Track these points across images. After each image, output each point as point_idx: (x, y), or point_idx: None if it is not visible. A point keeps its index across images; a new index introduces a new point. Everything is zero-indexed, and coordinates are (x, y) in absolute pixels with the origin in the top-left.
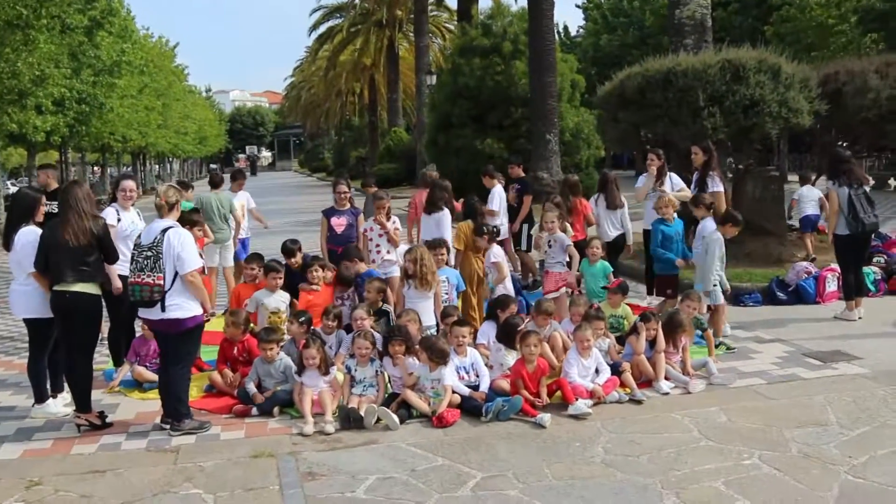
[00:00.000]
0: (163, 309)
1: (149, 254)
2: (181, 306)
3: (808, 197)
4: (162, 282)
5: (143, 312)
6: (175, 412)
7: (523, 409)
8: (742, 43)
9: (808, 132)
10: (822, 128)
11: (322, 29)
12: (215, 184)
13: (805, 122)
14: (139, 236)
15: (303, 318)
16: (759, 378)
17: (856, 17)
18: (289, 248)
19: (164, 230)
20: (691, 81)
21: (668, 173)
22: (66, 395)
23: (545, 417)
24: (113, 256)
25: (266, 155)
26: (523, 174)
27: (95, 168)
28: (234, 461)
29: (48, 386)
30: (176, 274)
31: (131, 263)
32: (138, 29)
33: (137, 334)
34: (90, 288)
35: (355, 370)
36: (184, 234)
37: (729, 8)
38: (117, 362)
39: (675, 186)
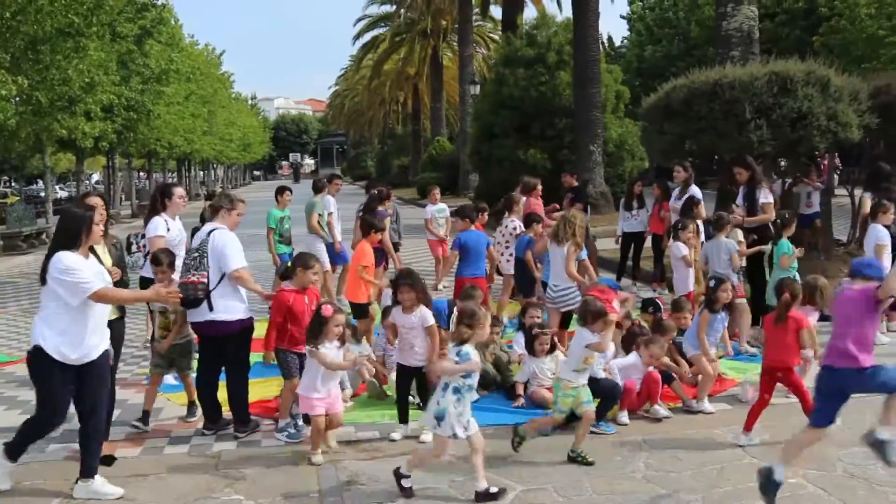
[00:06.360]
0: (210, 308)
1: (196, 254)
2: (227, 308)
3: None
4: (206, 280)
5: (192, 316)
6: (241, 419)
7: None
8: (790, 55)
9: (857, 146)
10: (870, 142)
11: (366, 38)
12: (318, 189)
13: (854, 136)
14: (191, 241)
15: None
16: None
17: None
18: None
19: (210, 232)
20: (738, 93)
21: (690, 185)
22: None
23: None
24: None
25: (309, 162)
26: (576, 183)
27: (141, 173)
28: (275, 468)
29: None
30: (222, 276)
31: (182, 267)
32: (185, 36)
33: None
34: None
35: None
36: (227, 235)
37: (776, 19)
38: None
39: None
